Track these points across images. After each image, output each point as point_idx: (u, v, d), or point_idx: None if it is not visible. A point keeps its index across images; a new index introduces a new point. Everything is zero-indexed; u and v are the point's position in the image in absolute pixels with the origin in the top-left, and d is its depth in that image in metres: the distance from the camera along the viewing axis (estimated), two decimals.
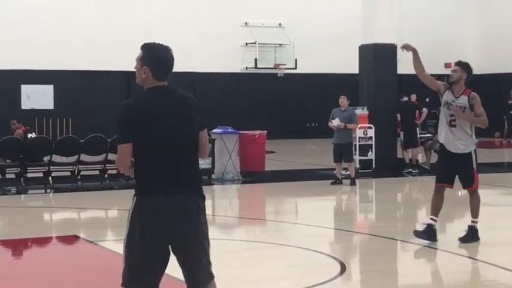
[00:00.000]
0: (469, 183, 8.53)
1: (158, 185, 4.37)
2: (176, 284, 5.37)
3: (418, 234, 8.59)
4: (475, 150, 8.49)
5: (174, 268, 4.57)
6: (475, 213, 8.58)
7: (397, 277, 7.63)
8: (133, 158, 4.42)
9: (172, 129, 4.40)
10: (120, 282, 4.47)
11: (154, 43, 4.57)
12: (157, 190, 4.36)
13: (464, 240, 8.50)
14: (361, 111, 16.89)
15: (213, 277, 4.53)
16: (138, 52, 4.60)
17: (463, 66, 8.56)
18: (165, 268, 4.46)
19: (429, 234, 8.49)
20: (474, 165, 8.45)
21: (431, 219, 8.56)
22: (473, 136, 8.47)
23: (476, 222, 8.57)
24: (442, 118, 8.47)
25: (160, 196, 4.35)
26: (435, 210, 8.58)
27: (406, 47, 8.61)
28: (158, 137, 4.37)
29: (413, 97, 18.19)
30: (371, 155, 16.90)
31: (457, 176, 8.56)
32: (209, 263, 4.50)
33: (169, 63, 4.51)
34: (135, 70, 4.60)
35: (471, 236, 8.52)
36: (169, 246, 4.42)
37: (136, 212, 4.38)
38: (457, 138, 8.37)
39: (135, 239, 4.37)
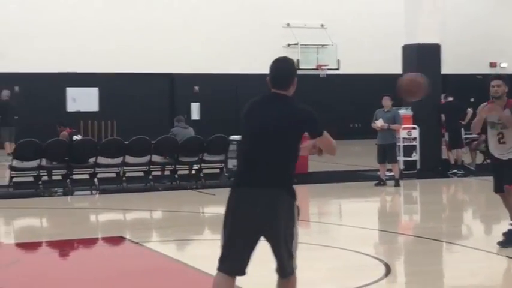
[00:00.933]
0: (510, 180, 8.26)
1: (245, 178, 4.88)
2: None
3: (504, 243, 8.41)
4: None
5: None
6: None
7: (443, 279, 7.56)
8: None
9: (265, 130, 4.85)
10: (207, 278, 5.04)
11: (279, 57, 5.19)
12: (244, 183, 4.87)
13: (502, 244, 8.35)
14: (405, 111, 16.75)
15: (294, 271, 4.92)
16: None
17: (504, 79, 8.42)
18: (250, 255, 4.87)
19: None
20: None
21: (510, 224, 8.44)
22: None
23: None
24: (491, 136, 8.41)
25: (249, 189, 4.84)
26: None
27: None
28: (253, 135, 4.91)
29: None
30: (415, 156, 16.75)
31: None
32: (291, 256, 4.88)
33: (276, 74, 5.02)
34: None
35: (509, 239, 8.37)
36: (258, 236, 4.85)
37: (229, 202, 4.89)
38: (507, 150, 8.29)
39: (227, 228, 4.87)
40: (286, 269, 4.88)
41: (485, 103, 8.43)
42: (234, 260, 4.83)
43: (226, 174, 15.19)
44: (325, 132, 5.04)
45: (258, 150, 4.86)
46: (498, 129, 8.30)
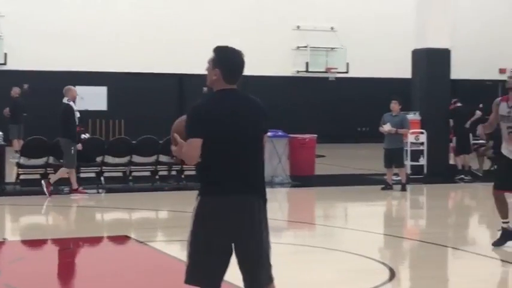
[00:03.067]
0: None
1: (221, 186, 4.45)
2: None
3: (497, 243, 8.50)
4: None
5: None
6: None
7: (447, 285, 7.54)
8: (200, 159, 4.46)
9: (238, 131, 4.47)
10: (184, 279, 4.54)
11: (227, 46, 4.65)
12: (220, 191, 4.45)
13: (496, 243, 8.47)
14: (413, 116, 16.74)
15: (273, 280, 4.58)
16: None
17: None
18: (226, 267, 4.52)
19: (507, 237, 8.48)
20: None
21: (503, 223, 8.55)
22: None
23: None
24: (503, 131, 8.42)
25: (221, 197, 4.44)
26: (504, 213, 8.55)
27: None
28: (224, 137, 4.44)
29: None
30: (422, 161, 16.73)
31: None
32: (269, 265, 4.55)
33: (240, 67, 4.58)
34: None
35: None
36: (232, 246, 4.49)
37: (199, 212, 4.48)
38: None
39: (198, 238, 4.47)
40: (262, 279, 4.52)
41: (499, 98, 8.52)
42: (211, 274, 4.48)
43: None
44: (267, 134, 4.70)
45: (236, 155, 4.44)
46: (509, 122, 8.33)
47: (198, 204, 4.50)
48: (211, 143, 4.43)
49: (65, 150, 13.13)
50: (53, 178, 13.30)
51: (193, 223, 4.52)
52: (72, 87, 13.74)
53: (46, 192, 13.01)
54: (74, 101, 13.50)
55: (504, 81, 8.70)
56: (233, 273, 4.66)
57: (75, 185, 13.30)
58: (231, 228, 4.45)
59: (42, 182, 13.21)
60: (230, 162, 4.45)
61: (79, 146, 13.36)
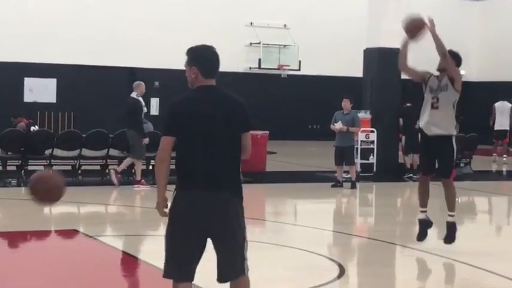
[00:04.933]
0: (446, 173, 8.36)
1: (195, 181, 4.57)
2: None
3: (420, 237, 8.59)
4: (455, 137, 8.40)
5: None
6: (452, 206, 8.44)
7: (395, 281, 7.63)
8: (175, 154, 4.62)
9: (211, 127, 4.56)
10: (162, 273, 4.69)
11: (197, 45, 4.75)
12: (194, 186, 4.57)
13: (446, 241, 8.48)
14: (364, 114, 16.90)
15: (245, 273, 4.70)
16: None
17: (453, 55, 8.54)
18: (199, 259, 4.66)
19: (426, 226, 8.55)
20: (454, 153, 8.35)
21: (421, 212, 8.60)
22: (454, 121, 8.38)
23: (454, 215, 8.49)
24: (425, 104, 8.40)
25: (196, 192, 4.56)
26: (423, 201, 8.57)
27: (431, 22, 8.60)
28: (198, 134, 4.56)
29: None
30: (372, 159, 16.91)
31: None
32: (243, 258, 4.67)
33: (215, 62, 4.70)
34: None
35: (453, 234, 8.47)
36: (207, 238, 4.63)
37: (175, 206, 4.61)
38: (437, 120, 8.25)
39: (174, 232, 4.62)
40: (236, 269, 4.66)
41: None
42: (186, 267, 4.61)
43: None
44: (250, 132, 4.75)
45: (210, 150, 4.55)
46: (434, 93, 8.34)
47: (173, 199, 4.63)
48: (185, 139, 4.57)
49: (134, 143, 13.50)
50: (120, 167, 13.75)
51: (169, 218, 4.64)
52: (142, 83, 14.14)
53: (115, 181, 13.30)
54: (142, 96, 13.91)
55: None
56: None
57: (139, 177, 13.59)
58: (203, 222, 4.56)
59: (111, 171, 13.59)
60: (202, 158, 4.56)
61: (146, 140, 13.59)
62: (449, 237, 8.47)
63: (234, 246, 4.63)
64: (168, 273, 4.66)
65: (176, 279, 4.64)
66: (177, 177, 4.65)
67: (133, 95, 13.87)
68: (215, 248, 4.67)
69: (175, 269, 4.62)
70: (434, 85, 8.40)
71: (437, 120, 8.27)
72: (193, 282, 4.75)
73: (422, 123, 8.42)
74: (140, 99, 13.82)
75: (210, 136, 4.56)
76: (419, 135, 8.69)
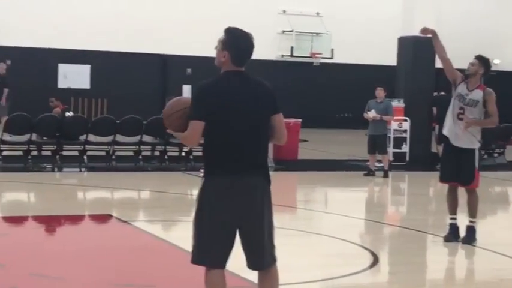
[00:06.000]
0: (469, 182, 8.31)
1: (225, 167, 4.50)
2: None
3: (448, 239, 8.49)
4: (478, 148, 8.31)
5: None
6: (473, 213, 8.39)
7: (427, 271, 7.61)
8: (204, 139, 4.54)
9: (242, 113, 4.51)
10: (190, 259, 4.63)
11: (237, 29, 4.64)
12: (223, 172, 4.50)
13: (465, 241, 8.37)
14: (397, 103, 16.81)
15: (275, 260, 4.66)
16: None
17: (482, 60, 8.36)
18: (232, 246, 4.59)
19: (455, 233, 8.44)
20: (476, 164, 8.26)
21: (451, 218, 8.49)
22: (479, 135, 8.28)
23: (475, 222, 8.42)
24: (451, 109, 8.28)
25: (226, 178, 4.50)
26: (452, 209, 8.47)
27: (425, 31, 8.43)
28: (228, 119, 4.49)
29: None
30: (405, 148, 16.83)
31: None
32: (273, 246, 4.63)
33: (248, 51, 4.60)
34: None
35: (472, 236, 8.38)
36: (237, 225, 4.56)
37: (204, 192, 4.56)
38: (461, 133, 8.14)
39: (203, 218, 4.56)
40: (266, 258, 4.61)
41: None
42: (217, 253, 4.54)
43: None
44: (281, 113, 4.67)
45: (241, 135, 4.49)
46: (461, 104, 8.19)
47: (202, 185, 4.58)
48: (214, 124, 4.49)
49: None
50: None
51: (198, 204, 4.60)
52: None
53: None
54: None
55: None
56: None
57: None
58: (234, 209, 4.51)
59: None
60: (232, 144, 4.50)
61: None
62: (468, 238, 8.38)
63: (265, 234, 4.60)
64: (195, 259, 4.61)
65: (204, 264, 4.60)
66: (205, 163, 4.59)
67: None
68: (245, 235, 4.59)
69: (203, 255, 4.57)
70: (463, 93, 8.21)
71: (461, 133, 8.15)
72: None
73: (446, 131, 8.33)
74: None
75: (239, 121, 4.50)
76: (444, 142, 8.57)
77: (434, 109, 17.03)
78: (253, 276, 6.17)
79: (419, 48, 17.16)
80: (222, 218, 4.52)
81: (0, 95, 19.65)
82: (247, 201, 4.53)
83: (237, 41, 4.58)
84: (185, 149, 15.24)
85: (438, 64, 18.49)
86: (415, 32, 17.20)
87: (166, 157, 14.97)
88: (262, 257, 4.61)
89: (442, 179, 8.51)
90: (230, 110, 4.49)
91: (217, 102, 4.48)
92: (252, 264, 4.65)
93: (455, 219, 8.48)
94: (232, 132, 4.49)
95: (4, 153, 14.02)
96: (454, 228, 8.46)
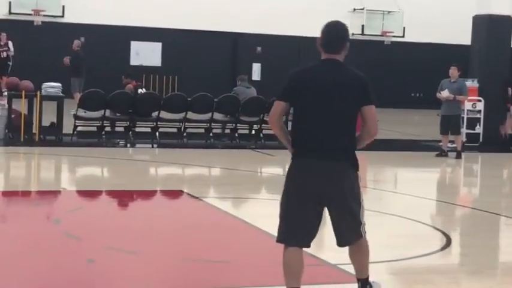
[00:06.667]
0: None
1: (309, 150, 4.71)
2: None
3: None
4: None
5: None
6: None
7: (500, 253, 7.48)
8: (292, 122, 4.80)
9: (323, 99, 4.67)
10: (276, 238, 4.79)
11: (329, 21, 4.91)
12: (308, 154, 4.70)
13: None
14: (471, 83, 16.49)
15: (361, 236, 4.83)
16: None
17: None
18: (318, 226, 4.77)
19: None
20: None
21: None
22: None
23: None
24: None
25: (310, 160, 4.70)
26: None
27: None
28: (309, 105, 4.70)
29: None
30: (478, 129, 16.52)
31: None
32: (358, 223, 4.79)
33: (332, 38, 4.80)
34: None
35: None
36: (322, 206, 4.74)
37: (290, 173, 4.78)
38: None
39: (289, 198, 4.74)
40: (348, 236, 4.81)
41: None
42: (300, 232, 4.71)
43: None
44: (373, 105, 4.80)
45: (322, 120, 4.66)
46: None
47: (290, 165, 4.78)
48: (297, 108, 4.76)
49: None
50: None
51: (285, 183, 4.80)
52: None
53: None
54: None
55: None
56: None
57: None
58: (317, 190, 4.68)
59: None
60: (316, 127, 4.69)
61: None
62: None
63: (349, 214, 4.74)
64: (280, 238, 4.76)
65: (289, 244, 4.72)
66: (292, 144, 4.80)
67: None
68: (330, 215, 4.78)
69: (288, 235, 4.72)
70: None
71: None
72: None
73: None
74: None
75: (324, 106, 4.66)
76: None
77: (509, 89, 16.66)
78: (326, 255, 6.22)
79: (494, 27, 16.79)
80: (305, 198, 4.68)
81: (75, 71, 20.02)
82: (330, 183, 4.68)
83: (325, 29, 4.83)
84: (255, 127, 15.29)
85: None
86: (490, 10, 17.00)
87: (236, 135, 15.06)
88: (345, 233, 4.79)
89: None
90: (311, 96, 4.68)
91: (299, 86, 4.71)
92: (337, 241, 4.84)
93: None
94: (311, 117, 4.69)
95: (79, 128, 14.33)
96: None
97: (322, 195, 4.70)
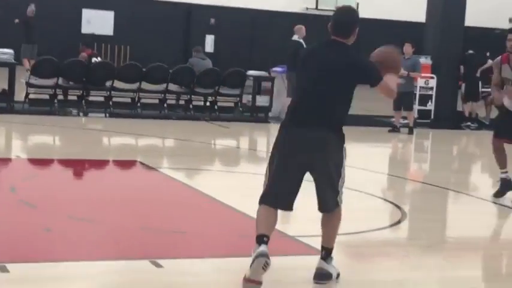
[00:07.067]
0: None
1: (296, 118, 4.97)
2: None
3: (498, 194, 8.47)
4: None
5: None
6: None
7: (451, 228, 7.62)
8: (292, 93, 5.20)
9: (316, 75, 4.94)
10: (259, 200, 5.01)
11: (340, 6, 5.43)
12: (294, 122, 4.96)
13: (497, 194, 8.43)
14: (425, 60, 16.67)
15: (339, 205, 5.07)
16: None
17: None
18: (297, 191, 5.01)
19: (506, 187, 8.42)
20: None
21: (501, 173, 8.47)
22: None
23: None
24: (507, 92, 8.28)
25: (295, 128, 4.95)
26: (502, 163, 8.47)
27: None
28: (304, 79, 5.05)
29: None
30: (430, 106, 16.75)
31: None
32: (336, 192, 5.01)
33: (338, 22, 5.07)
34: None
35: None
36: (304, 172, 4.99)
37: (277, 139, 5.06)
38: None
39: (274, 162, 5.01)
40: (328, 203, 5.02)
41: (499, 57, 8.37)
42: (280, 195, 4.96)
43: (241, 109, 15.25)
44: (384, 79, 5.09)
45: (313, 92, 4.93)
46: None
47: (278, 133, 5.05)
48: (298, 79, 5.20)
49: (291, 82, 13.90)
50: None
51: (273, 150, 5.06)
52: (302, 26, 15.22)
53: None
54: (302, 39, 14.90)
55: None
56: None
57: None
58: (299, 157, 4.92)
59: None
60: (301, 100, 4.99)
61: None
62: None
63: (328, 180, 4.96)
64: (263, 200, 4.97)
65: (271, 205, 4.94)
66: (286, 113, 5.10)
67: (295, 37, 14.84)
68: (314, 181, 5.02)
69: (271, 197, 4.95)
70: (508, 75, 8.21)
71: None
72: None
73: (507, 103, 8.32)
74: (301, 41, 14.73)
75: (312, 81, 4.94)
76: (505, 110, 8.55)
77: (462, 67, 16.90)
78: (284, 227, 6.26)
79: (449, 5, 16.98)
80: (288, 164, 4.92)
81: (27, 37, 19.67)
82: (312, 151, 4.90)
83: (335, 14, 5.18)
84: (210, 99, 15.25)
85: (468, 22, 18.37)
86: None
87: (191, 106, 14.99)
88: (325, 201, 5.02)
89: (498, 136, 8.45)
90: (307, 72, 5.02)
91: (304, 61, 5.09)
92: (319, 207, 5.06)
93: (506, 172, 8.46)
94: (304, 90, 5.01)
95: (31, 96, 14.09)
96: (505, 183, 8.42)
97: (308, 163, 4.94)
